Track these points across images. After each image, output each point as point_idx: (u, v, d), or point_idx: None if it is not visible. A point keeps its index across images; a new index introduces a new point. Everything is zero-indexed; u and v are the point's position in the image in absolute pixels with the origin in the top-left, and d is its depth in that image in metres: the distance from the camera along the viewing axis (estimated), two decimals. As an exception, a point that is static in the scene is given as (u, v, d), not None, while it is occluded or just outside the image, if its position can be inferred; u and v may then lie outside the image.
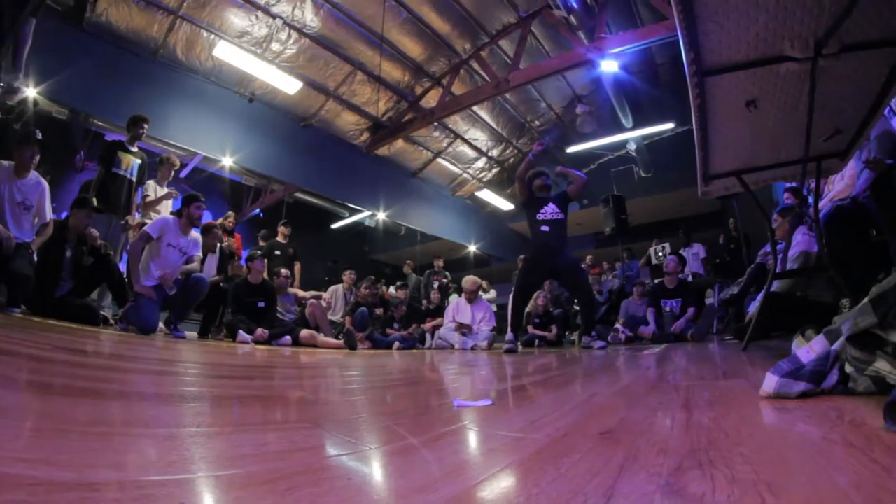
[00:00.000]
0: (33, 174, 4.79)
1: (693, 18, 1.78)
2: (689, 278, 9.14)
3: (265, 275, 7.13)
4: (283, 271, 7.57)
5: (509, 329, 6.00)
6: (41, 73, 7.32)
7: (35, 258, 4.73)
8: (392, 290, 10.79)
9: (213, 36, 9.03)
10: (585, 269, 9.89)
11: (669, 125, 12.50)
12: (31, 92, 7.27)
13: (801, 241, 4.80)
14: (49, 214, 4.91)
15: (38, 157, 4.84)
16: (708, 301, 9.02)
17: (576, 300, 9.94)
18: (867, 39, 1.95)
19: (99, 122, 9.01)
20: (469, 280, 8.36)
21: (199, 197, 5.80)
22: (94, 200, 5.62)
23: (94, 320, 4.88)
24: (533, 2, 9.95)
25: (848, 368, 1.10)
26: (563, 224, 6.09)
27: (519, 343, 6.21)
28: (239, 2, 8.70)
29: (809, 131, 2.41)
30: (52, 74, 7.33)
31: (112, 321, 5.53)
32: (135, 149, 6.43)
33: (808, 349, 1.20)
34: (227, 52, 9.10)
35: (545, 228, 6.00)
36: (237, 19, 8.93)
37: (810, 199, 3.74)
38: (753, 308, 5.22)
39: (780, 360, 1.23)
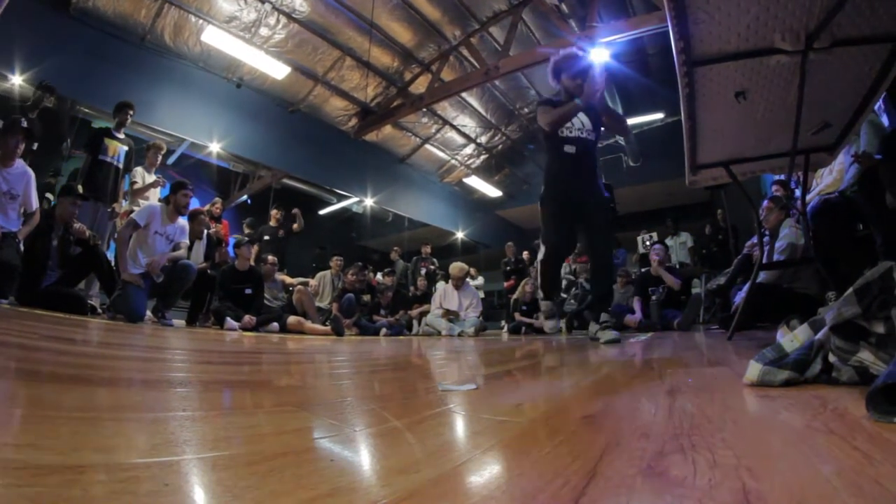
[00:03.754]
0: (19, 163, 4.75)
1: (683, 8, 1.78)
2: (677, 266, 9.21)
3: (252, 261, 7.12)
4: (270, 258, 7.56)
5: (543, 297, 5.08)
6: (28, 60, 7.26)
7: (22, 248, 4.69)
8: (379, 276, 10.80)
9: (200, 21, 8.93)
10: (572, 257, 9.94)
11: (659, 115, 12.55)
12: (17, 80, 7.18)
13: (789, 233, 4.83)
14: (35, 203, 4.87)
15: (23, 146, 4.79)
16: (694, 291, 9.09)
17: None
18: (858, 35, 1.96)
19: (86, 110, 8.92)
20: (456, 267, 8.38)
21: (186, 184, 5.79)
22: (80, 188, 5.58)
23: (82, 309, 4.87)
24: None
25: (831, 358, 1.11)
26: (594, 148, 4.43)
27: (550, 318, 5.16)
28: None
29: (798, 124, 2.42)
30: (38, 61, 7.26)
31: (100, 310, 5.51)
32: (121, 135, 6.42)
33: (791, 338, 1.21)
34: (215, 37, 9.02)
35: (570, 149, 4.26)
36: (225, 4, 8.84)
37: (797, 192, 3.76)
38: (739, 298, 5.27)
39: (764, 349, 1.24)
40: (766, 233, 5.02)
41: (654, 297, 7.80)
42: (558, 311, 9.44)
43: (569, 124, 4.23)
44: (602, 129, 4.53)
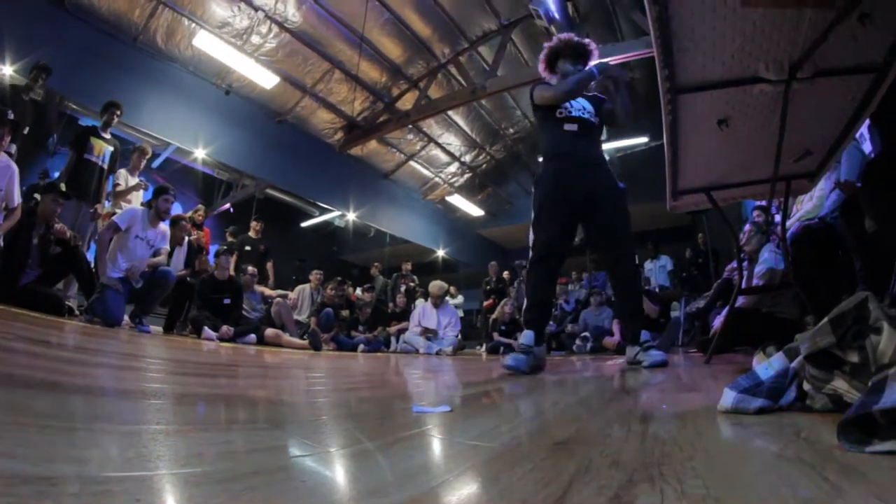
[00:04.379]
0: (3, 157, 4.70)
1: (669, 37, 1.79)
2: (656, 289, 9.25)
3: (232, 271, 7.08)
4: (250, 268, 7.52)
5: (525, 322, 3.50)
6: (19, 50, 7.20)
7: (1, 243, 4.65)
8: (359, 291, 10.75)
9: (193, 24, 8.94)
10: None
11: (643, 139, 12.64)
12: (7, 69, 7.11)
13: (768, 258, 4.88)
14: (18, 199, 4.81)
15: (7, 139, 4.75)
16: (673, 314, 9.14)
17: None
18: (841, 65, 1.99)
19: (74, 106, 8.84)
20: (436, 285, 8.37)
21: (168, 189, 5.76)
22: (64, 186, 5.53)
23: (59, 310, 4.81)
24: (515, 10, 9.95)
25: (806, 386, 1.12)
26: (598, 131, 3.85)
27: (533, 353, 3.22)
28: None
29: (780, 152, 2.45)
30: (30, 51, 7.16)
31: (77, 311, 5.45)
32: (108, 135, 6.38)
33: (766, 365, 1.21)
34: (206, 42, 9.03)
35: (571, 127, 3.64)
36: (219, 9, 8.85)
37: (778, 217, 3.80)
38: (718, 322, 5.30)
39: (739, 376, 1.24)
40: (746, 257, 5.06)
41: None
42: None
43: (567, 105, 3.66)
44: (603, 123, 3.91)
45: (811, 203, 4.53)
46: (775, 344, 1.32)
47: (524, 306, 3.51)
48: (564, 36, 3.92)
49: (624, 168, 13.40)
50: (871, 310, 1.00)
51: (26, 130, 5.97)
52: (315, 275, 8.92)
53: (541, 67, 3.95)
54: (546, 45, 3.94)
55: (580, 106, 3.72)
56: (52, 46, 7.41)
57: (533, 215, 3.61)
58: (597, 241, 3.66)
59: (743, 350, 4.86)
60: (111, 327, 4.65)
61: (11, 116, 4.95)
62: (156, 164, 11.17)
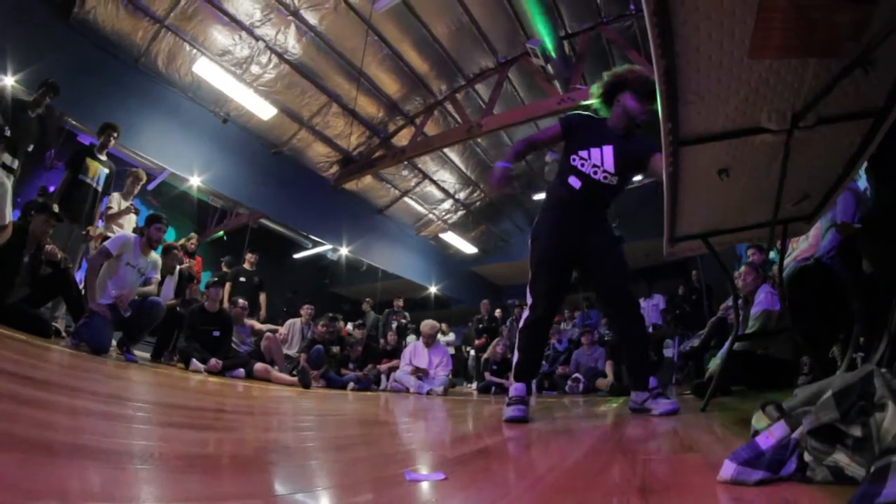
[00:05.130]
0: None
1: (675, 91, 1.78)
2: (650, 329, 9.19)
3: (225, 303, 7.01)
4: (241, 301, 7.45)
5: (513, 376, 3.29)
6: (22, 62, 7.20)
7: None
8: (350, 326, 10.66)
9: (194, 51, 9.04)
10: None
11: (638, 176, 12.68)
12: (9, 80, 7.11)
13: (764, 299, 4.87)
14: (8, 217, 4.71)
15: (3, 155, 4.75)
16: (666, 352, 9.06)
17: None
18: (842, 112, 1.98)
19: (73, 122, 8.81)
20: (427, 324, 8.30)
21: (160, 217, 5.73)
22: (56, 207, 5.50)
23: (45, 332, 4.73)
24: (512, 48, 10.11)
25: (807, 457, 1.09)
26: (610, 192, 3.47)
27: (531, 398, 3.71)
28: (225, 20, 8.72)
29: (780, 198, 2.43)
30: (32, 63, 7.20)
31: (64, 334, 5.40)
32: (103, 157, 6.36)
33: (767, 434, 1.18)
34: (206, 69, 9.09)
35: (575, 183, 3.39)
36: (221, 37, 8.95)
37: (773, 256, 3.79)
38: (713, 365, 5.26)
39: (739, 446, 1.20)
40: (741, 299, 5.04)
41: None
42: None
43: (584, 154, 3.36)
44: (636, 175, 3.71)
45: (806, 242, 4.54)
46: (775, 403, 1.28)
47: (516, 360, 3.32)
48: (638, 69, 3.42)
49: (617, 206, 13.45)
50: (876, 386, 0.99)
51: (31, 148, 5.93)
52: (306, 309, 8.84)
53: (595, 93, 3.53)
54: (617, 71, 3.44)
55: (598, 161, 3.36)
56: (55, 60, 7.45)
57: (530, 273, 3.39)
58: (601, 290, 3.52)
59: (739, 391, 4.83)
60: (98, 355, 4.57)
61: (8, 133, 4.93)
62: (151, 186, 11.18)
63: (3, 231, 4.63)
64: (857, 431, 0.98)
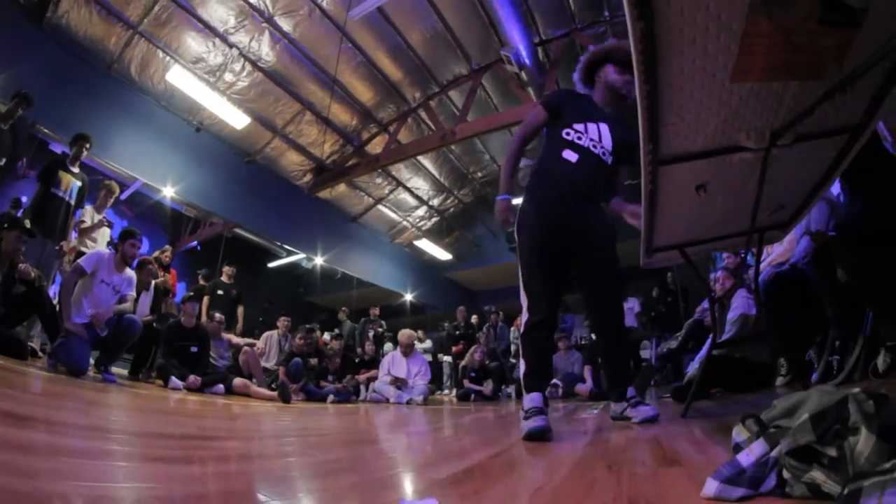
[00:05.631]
0: None
1: (656, 112, 1.80)
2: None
3: (203, 317, 6.95)
4: (218, 315, 7.38)
5: (525, 388, 2.85)
6: None
7: None
8: (327, 336, 10.61)
9: (168, 58, 8.97)
10: (519, 319, 9.84)
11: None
12: None
13: (741, 304, 4.95)
14: None
15: None
16: (644, 353, 9.09)
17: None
18: (821, 130, 2.03)
19: (45, 130, 8.67)
20: (405, 334, 8.31)
21: (135, 233, 5.66)
22: (28, 222, 5.41)
23: (21, 354, 4.65)
24: (486, 55, 10.13)
25: (786, 474, 1.15)
26: (605, 169, 3.14)
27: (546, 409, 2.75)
28: (199, 26, 8.65)
29: (756, 211, 2.48)
30: (2, 70, 7.08)
31: (41, 353, 5.35)
32: (76, 169, 6.25)
33: (748, 452, 1.25)
34: (179, 78, 9.01)
35: (570, 156, 3.04)
36: (194, 44, 8.88)
37: (748, 260, 3.84)
38: (692, 370, 5.32)
39: (721, 465, 1.24)
40: (717, 301, 5.11)
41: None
42: (509, 379, 9.35)
43: (580, 127, 3.05)
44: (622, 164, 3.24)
45: (781, 247, 4.64)
46: (755, 417, 1.34)
47: (523, 370, 2.92)
48: (613, 41, 3.23)
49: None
50: (850, 411, 1.05)
51: (2, 161, 5.88)
52: (283, 321, 8.79)
53: (576, 76, 3.35)
54: (593, 48, 3.27)
55: (596, 136, 3.07)
56: (27, 67, 7.34)
57: (521, 272, 2.99)
58: (588, 291, 3.08)
59: (718, 393, 4.90)
60: (76, 376, 4.51)
61: None
62: (124, 196, 10.92)
63: None
64: (832, 452, 1.04)
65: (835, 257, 3.33)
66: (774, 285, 4.18)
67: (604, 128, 3.11)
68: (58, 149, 8.54)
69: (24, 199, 7.52)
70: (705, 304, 5.81)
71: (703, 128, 1.90)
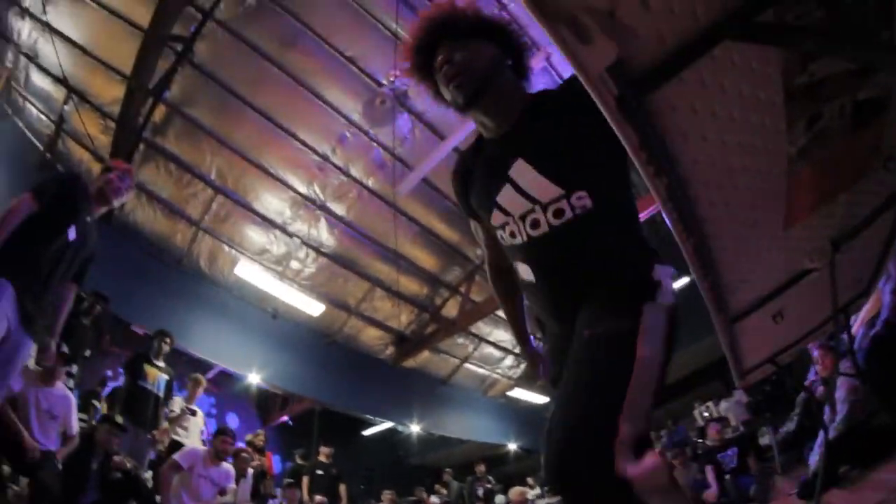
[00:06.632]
0: (59, 385, 4.97)
1: (721, 289, 1.94)
2: (741, 429, 8.68)
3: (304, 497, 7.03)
4: (318, 498, 7.42)
5: None
6: None
7: (60, 467, 4.76)
8: (435, 500, 10.36)
9: (233, 251, 9.53)
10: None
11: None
12: None
13: (845, 379, 4.79)
14: (75, 427, 5.02)
15: (63, 370, 5.06)
16: (763, 441, 8.42)
17: None
18: (874, 210, 2.11)
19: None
20: (516, 491, 8.18)
21: (227, 430, 6.01)
22: (119, 417, 5.74)
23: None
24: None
25: None
26: (585, 230, 1.57)
27: None
28: (258, 220, 9.25)
29: (836, 301, 2.47)
30: None
31: None
32: (161, 363, 6.57)
33: None
34: (248, 271, 9.44)
35: (527, 275, 1.71)
36: (256, 236, 9.44)
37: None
38: (814, 460, 5.02)
39: None
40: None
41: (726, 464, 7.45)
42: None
43: (498, 219, 1.73)
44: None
45: (869, 303, 4.55)
46: None
47: None
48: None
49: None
50: None
51: (88, 353, 6.38)
52: (387, 496, 8.70)
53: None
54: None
55: (516, 203, 1.66)
56: (101, 263, 7.64)
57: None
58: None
59: (849, 473, 4.63)
60: None
61: (65, 349, 5.29)
62: (210, 375, 11.00)
63: (71, 441, 4.94)
64: None
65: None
66: (875, 351, 4.12)
67: (520, 168, 1.65)
68: (140, 329, 8.92)
69: (107, 374, 7.91)
70: (812, 376, 5.61)
71: (768, 274, 2.05)
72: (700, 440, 9.74)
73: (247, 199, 9.19)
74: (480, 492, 11.02)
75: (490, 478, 12.04)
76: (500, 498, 9.94)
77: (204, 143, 8.77)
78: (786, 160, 1.67)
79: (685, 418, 11.53)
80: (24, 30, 7.79)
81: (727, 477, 7.24)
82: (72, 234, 3.17)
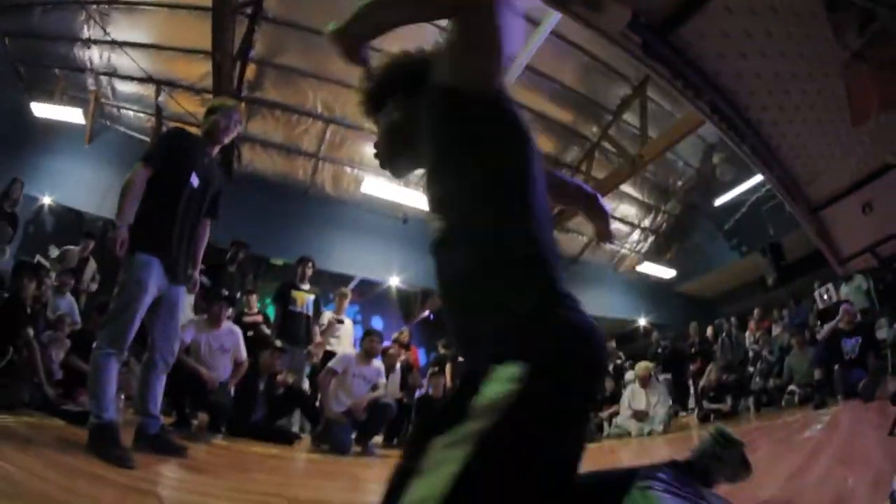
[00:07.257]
0: (225, 324, 5.73)
1: (791, 180, 1.94)
2: (858, 317, 7.69)
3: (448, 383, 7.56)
4: (460, 382, 7.90)
5: None
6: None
7: (232, 392, 5.63)
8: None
9: (356, 170, 10.15)
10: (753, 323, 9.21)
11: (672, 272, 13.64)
12: None
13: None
14: (244, 354, 5.76)
15: (227, 311, 5.86)
16: (880, 334, 7.61)
17: None
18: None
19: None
20: (641, 366, 8.23)
21: (374, 332, 6.45)
22: (278, 342, 6.48)
23: (289, 441, 5.65)
24: (640, 68, 9.86)
25: None
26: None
27: None
28: (372, 136, 9.50)
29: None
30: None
31: (300, 437, 6.22)
32: (306, 286, 7.17)
33: None
34: (374, 186, 9.98)
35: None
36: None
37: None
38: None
39: None
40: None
41: (847, 352, 6.95)
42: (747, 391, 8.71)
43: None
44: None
45: None
46: None
47: None
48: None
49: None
50: None
51: (239, 294, 7.22)
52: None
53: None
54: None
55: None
56: (235, 213, 7.90)
57: None
58: None
59: None
60: (342, 455, 5.37)
61: (226, 293, 6.15)
62: (352, 286, 11.57)
63: (241, 367, 5.72)
64: None
65: None
66: None
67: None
68: (278, 260, 9.88)
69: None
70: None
71: (846, 168, 2.00)
72: (819, 322, 9.22)
73: (357, 121, 9.23)
74: (610, 367, 11.20)
75: (620, 353, 12.17)
76: (629, 374, 10.12)
77: (302, 83, 9.25)
78: (839, 63, 1.64)
79: (806, 298, 11.06)
80: (94, 56, 8.68)
81: (836, 367, 6.82)
82: (194, 180, 3.42)
